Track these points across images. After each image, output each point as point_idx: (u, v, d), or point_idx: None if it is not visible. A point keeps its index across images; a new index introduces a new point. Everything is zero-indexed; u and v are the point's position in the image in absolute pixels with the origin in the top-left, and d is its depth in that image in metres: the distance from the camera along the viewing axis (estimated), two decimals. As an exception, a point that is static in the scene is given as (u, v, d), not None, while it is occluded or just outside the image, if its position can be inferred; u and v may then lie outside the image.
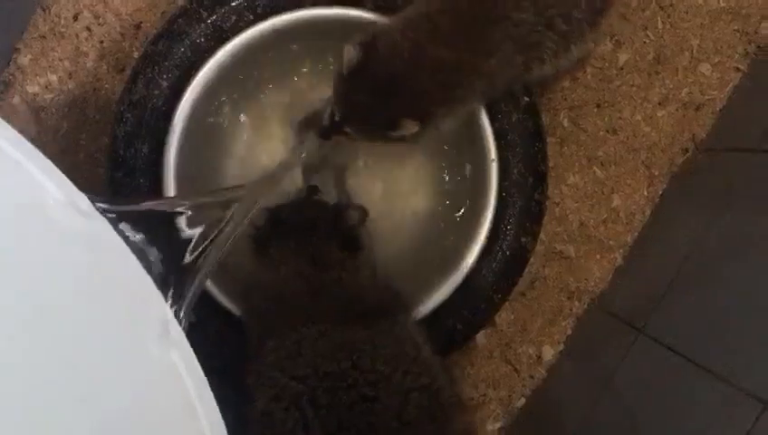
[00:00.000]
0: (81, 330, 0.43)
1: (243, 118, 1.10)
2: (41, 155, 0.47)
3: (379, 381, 0.81)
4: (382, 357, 0.83)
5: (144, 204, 0.55)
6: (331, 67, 1.09)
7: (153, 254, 0.55)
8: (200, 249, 0.61)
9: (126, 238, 0.48)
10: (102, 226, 0.46)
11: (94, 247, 0.46)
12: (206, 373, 0.45)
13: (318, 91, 1.10)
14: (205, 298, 1.00)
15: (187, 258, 0.60)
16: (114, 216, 0.51)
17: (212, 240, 0.64)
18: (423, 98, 0.91)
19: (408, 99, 0.91)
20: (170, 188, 1.00)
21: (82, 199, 0.46)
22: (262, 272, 0.95)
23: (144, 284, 0.46)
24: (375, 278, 0.97)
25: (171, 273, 0.56)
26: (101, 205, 0.47)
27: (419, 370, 0.85)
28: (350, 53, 0.88)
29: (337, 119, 0.94)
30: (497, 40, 0.89)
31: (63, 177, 0.47)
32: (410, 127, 0.90)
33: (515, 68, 0.94)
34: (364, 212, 0.97)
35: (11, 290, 0.42)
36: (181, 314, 0.50)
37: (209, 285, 0.99)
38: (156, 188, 1.00)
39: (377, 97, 0.90)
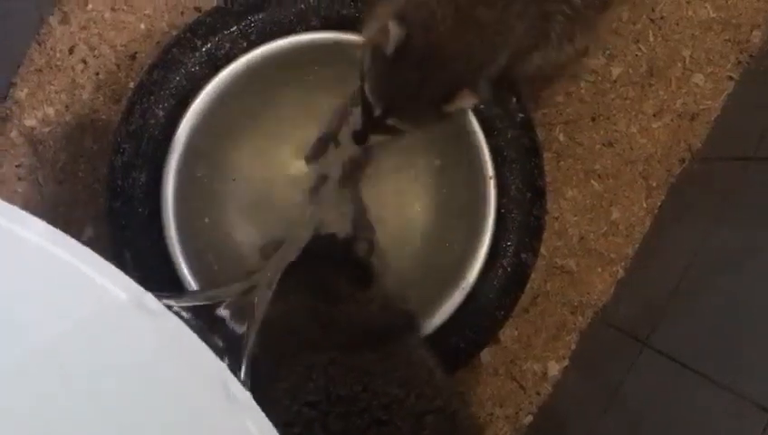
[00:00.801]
0: (161, 415, 0.46)
1: (240, 145, 1.10)
2: (100, 259, 0.47)
3: (392, 405, 0.80)
4: (395, 380, 0.82)
5: (186, 297, 0.58)
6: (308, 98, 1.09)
7: (216, 333, 0.58)
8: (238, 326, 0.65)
9: (190, 324, 0.50)
10: (171, 320, 0.48)
11: (165, 342, 0.48)
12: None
13: (316, 114, 1.11)
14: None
15: (231, 328, 0.63)
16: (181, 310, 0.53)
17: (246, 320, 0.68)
18: (473, 61, 0.89)
19: (462, 63, 0.88)
20: (169, 217, 1.00)
21: (150, 299, 0.48)
22: (272, 305, 0.95)
23: (210, 360, 0.49)
24: (387, 308, 0.96)
25: (227, 347, 0.59)
26: (166, 301, 0.50)
27: (433, 393, 0.84)
28: (396, 29, 0.83)
29: (377, 114, 0.90)
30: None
31: (126, 278, 0.48)
32: (468, 99, 0.88)
33: (532, 38, 0.93)
34: (371, 244, 0.97)
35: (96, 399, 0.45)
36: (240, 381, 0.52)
37: None
38: (155, 218, 1.00)
39: (429, 69, 0.86)
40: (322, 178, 1.08)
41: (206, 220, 1.08)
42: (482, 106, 1.01)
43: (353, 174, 1.09)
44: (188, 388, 0.47)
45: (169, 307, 0.49)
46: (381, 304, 0.95)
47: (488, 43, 0.89)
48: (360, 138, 0.95)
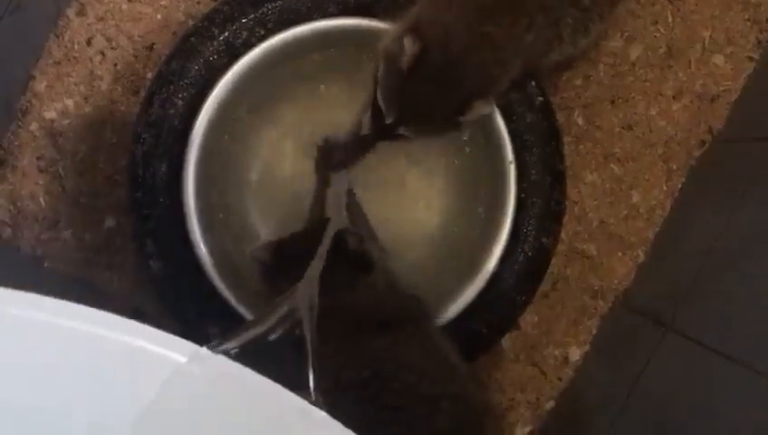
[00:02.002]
0: None
1: (259, 133, 1.10)
2: (147, 328, 0.47)
3: (405, 391, 0.79)
4: (407, 366, 0.81)
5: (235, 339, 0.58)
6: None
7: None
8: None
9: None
10: (231, 367, 0.49)
11: (233, 388, 0.50)
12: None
13: (333, 103, 1.10)
14: (232, 315, 1.01)
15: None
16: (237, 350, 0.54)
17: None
18: (487, 76, 0.90)
19: (476, 78, 0.89)
20: (190, 206, 1.00)
21: (204, 352, 0.49)
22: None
23: (278, 392, 0.49)
24: (393, 288, 0.95)
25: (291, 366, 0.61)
26: (225, 347, 0.52)
27: (447, 377, 0.83)
28: (411, 44, 0.85)
29: (389, 121, 0.90)
30: (533, 11, 0.89)
31: (179, 340, 0.48)
32: (483, 108, 0.88)
33: (544, 43, 0.94)
34: (360, 237, 0.95)
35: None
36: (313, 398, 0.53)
37: (235, 302, 1.00)
38: (176, 207, 1.01)
39: (444, 84, 0.87)
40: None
41: (227, 208, 1.08)
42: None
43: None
44: (267, 423, 0.48)
45: (227, 353, 0.50)
46: (386, 285, 0.94)
47: (500, 59, 0.90)
48: (367, 144, 0.95)
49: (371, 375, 0.79)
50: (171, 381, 0.46)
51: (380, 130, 0.93)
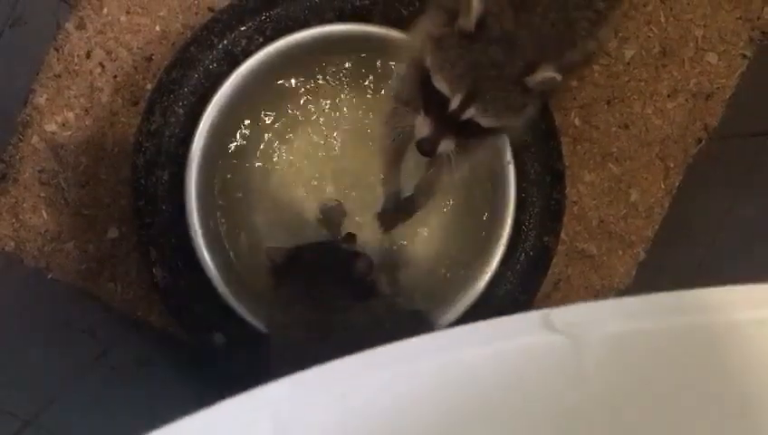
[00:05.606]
0: None
1: (261, 140, 1.11)
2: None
3: None
4: None
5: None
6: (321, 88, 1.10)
7: None
8: None
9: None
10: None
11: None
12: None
13: (336, 109, 1.11)
14: (236, 321, 1.01)
15: None
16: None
17: None
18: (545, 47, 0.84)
19: (537, 41, 0.82)
20: (193, 214, 1.01)
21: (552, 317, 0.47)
22: (276, 309, 0.95)
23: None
24: (394, 310, 0.94)
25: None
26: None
27: None
28: (477, 4, 0.77)
29: (454, 106, 0.81)
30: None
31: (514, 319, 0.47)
32: (548, 70, 0.80)
33: (559, 44, 0.90)
34: (371, 263, 0.93)
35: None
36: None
37: (239, 308, 1.01)
38: (179, 214, 1.01)
39: (508, 45, 0.80)
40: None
41: (230, 215, 1.09)
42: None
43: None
44: None
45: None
46: (387, 308, 0.94)
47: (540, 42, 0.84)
48: (428, 145, 0.84)
49: None
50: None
51: (442, 124, 0.83)
